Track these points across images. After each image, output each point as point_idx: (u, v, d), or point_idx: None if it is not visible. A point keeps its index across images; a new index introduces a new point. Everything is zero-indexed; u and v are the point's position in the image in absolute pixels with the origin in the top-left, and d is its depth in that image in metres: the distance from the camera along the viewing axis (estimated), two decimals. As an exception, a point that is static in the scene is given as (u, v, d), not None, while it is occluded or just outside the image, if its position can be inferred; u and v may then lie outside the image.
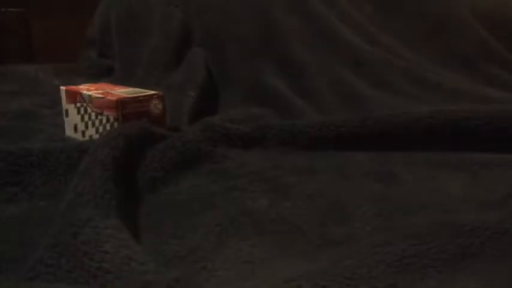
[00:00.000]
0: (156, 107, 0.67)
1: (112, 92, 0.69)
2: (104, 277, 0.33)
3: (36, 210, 0.48)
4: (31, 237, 0.43)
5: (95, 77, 1.05)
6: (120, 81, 0.91)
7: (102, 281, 0.33)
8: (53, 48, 1.49)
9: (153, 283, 0.33)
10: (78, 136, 0.71)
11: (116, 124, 0.64)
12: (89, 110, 0.69)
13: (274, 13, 0.95)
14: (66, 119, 0.74)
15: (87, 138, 0.70)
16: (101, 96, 0.67)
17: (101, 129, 0.67)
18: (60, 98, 0.74)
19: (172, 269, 0.38)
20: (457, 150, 0.60)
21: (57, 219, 0.40)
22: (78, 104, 0.70)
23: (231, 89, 0.90)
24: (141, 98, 0.67)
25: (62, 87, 0.74)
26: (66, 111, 0.73)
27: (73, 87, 0.74)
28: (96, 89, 0.71)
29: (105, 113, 0.66)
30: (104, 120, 0.66)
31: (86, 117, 0.70)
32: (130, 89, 0.71)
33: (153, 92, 0.68)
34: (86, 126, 0.70)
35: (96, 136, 0.68)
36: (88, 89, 0.71)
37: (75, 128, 0.72)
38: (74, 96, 0.71)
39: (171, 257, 0.40)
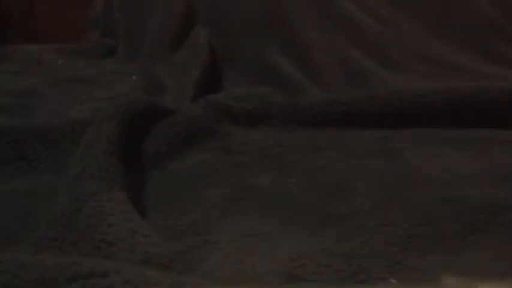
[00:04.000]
0: None
1: None
2: (107, 249, 0.33)
3: (41, 183, 0.48)
4: (36, 209, 0.43)
5: (98, 57, 1.04)
6: (123, 60, 0.90)
7: (106, 253, 0.33)
8: (57, 29, 1.48)
9: (156, 256, 0.34)
10: None
11: None
12: None
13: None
14: None
15: None
16: None
17: None
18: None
19: (175, 242, 0.38)
20: (462, 127, 0.59)
21: (61, 193, 0.40)
22: None
23: (235, 67, 0.89)
24: None
25: None
26: None
27: None
28: None
29: None
30: None
31: None
32: None
33: None
34: None
35: None
36: None
37: None
38: None
39: (173, 231, 0.40)
